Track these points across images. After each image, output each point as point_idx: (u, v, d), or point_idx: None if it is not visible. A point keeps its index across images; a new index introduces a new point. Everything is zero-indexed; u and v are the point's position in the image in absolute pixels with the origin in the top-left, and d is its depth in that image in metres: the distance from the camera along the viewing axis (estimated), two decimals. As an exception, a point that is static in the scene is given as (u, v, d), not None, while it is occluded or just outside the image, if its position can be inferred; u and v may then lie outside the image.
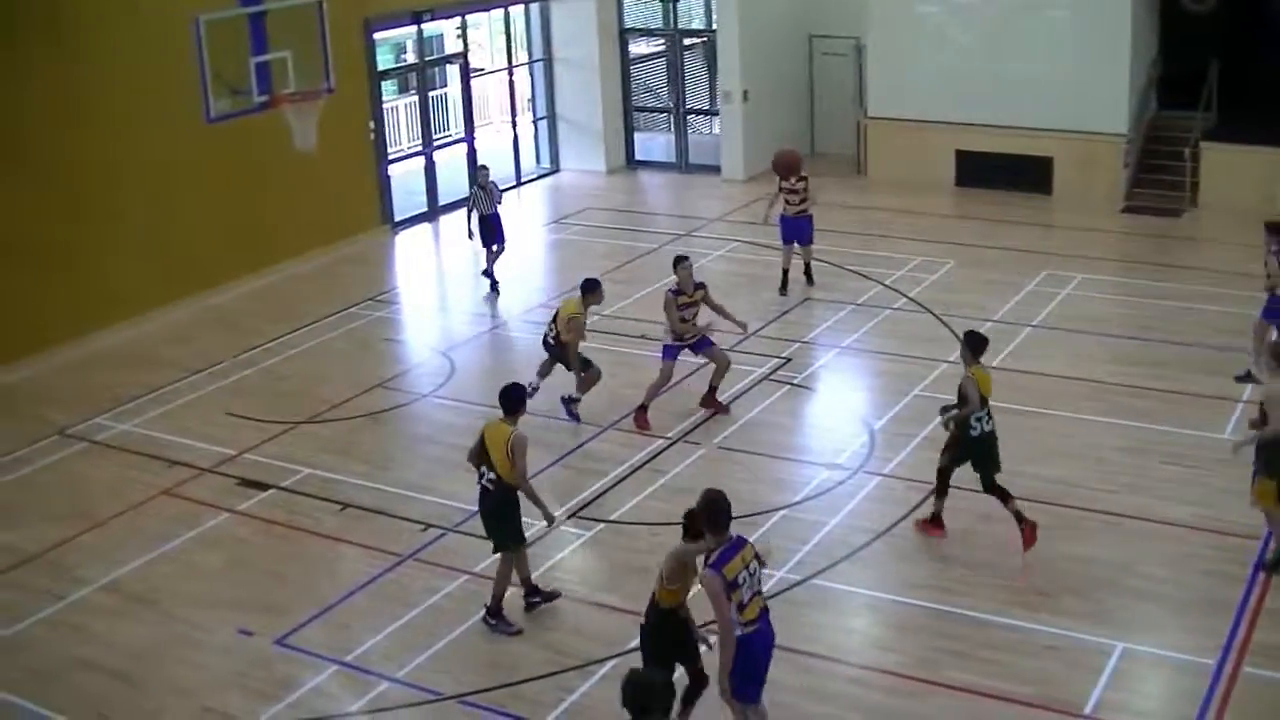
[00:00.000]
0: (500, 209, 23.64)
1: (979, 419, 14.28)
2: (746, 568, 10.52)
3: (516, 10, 31.22)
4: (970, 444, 14.36)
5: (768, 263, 23.81)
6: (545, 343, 18.16)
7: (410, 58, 31.54)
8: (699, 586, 10.67)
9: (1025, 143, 27.58)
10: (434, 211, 28.50)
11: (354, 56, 25.71)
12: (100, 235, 21.75)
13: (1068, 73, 27.06)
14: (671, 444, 17.22)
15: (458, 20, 30.01)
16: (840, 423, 17.91)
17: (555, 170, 31.88)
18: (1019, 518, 14.18)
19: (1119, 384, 18.33)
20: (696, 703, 11.58)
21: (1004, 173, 27.74)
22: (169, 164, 22.57)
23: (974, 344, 14.47)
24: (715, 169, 30.68)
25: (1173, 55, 28.19)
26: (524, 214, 28.97)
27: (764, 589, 10.96)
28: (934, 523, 14.80)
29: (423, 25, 28.38)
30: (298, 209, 25.01)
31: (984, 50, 27.98)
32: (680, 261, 18.21)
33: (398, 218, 27.71)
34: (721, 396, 18.25)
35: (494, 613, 13.50)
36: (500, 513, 13.44)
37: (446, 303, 23.43)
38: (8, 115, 20.50)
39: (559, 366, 18.16)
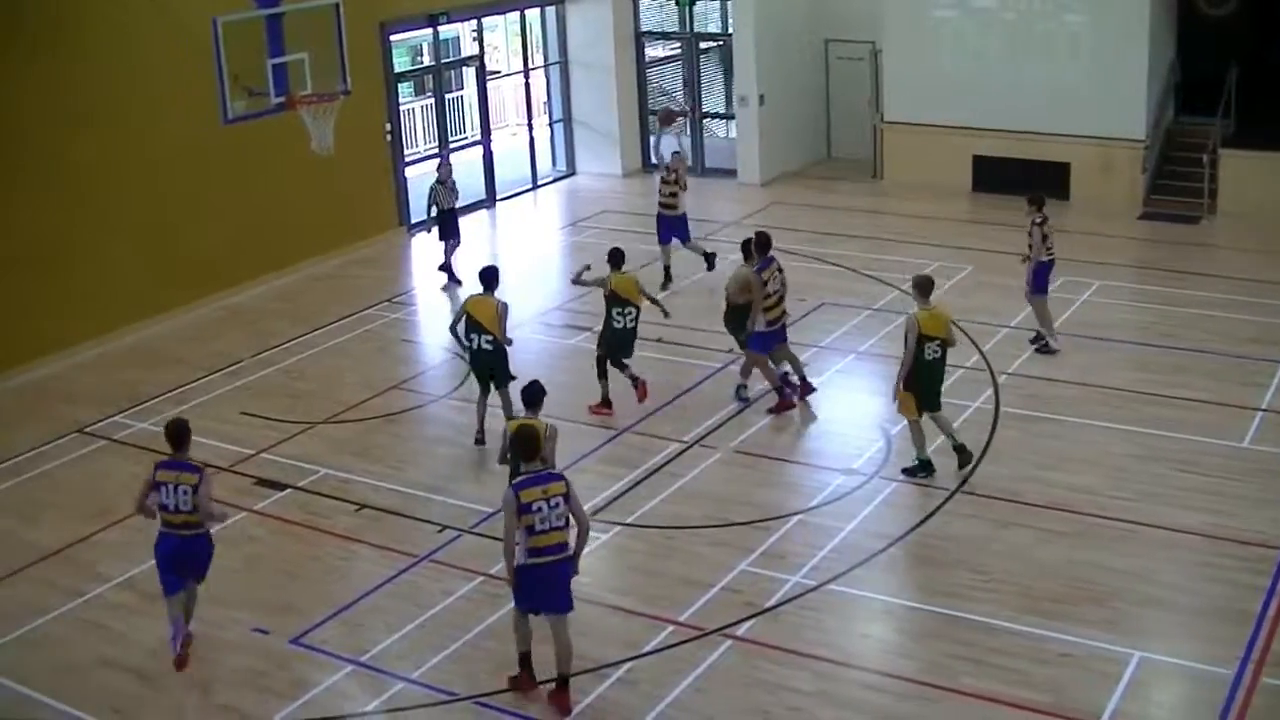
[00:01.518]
0: (458, 204, 24.50)
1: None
2: (547, 500, 11.69)
3: (533, 13, 31.27)
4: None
5: (786, 267, 23.81)
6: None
7: (427, 60, 31.58)
8: None
9: (1042, 148, 27.54)
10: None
11: (370, 59, 25.77)
12: (121, 235, 21.88)
13: (1085, 78, 27.06)
14: (688, 448, 17.23)
15: (474, 23, 30.06)
16: (856, 428, 17.90)
17: (571, 173, 31.91)
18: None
19: (1136, 391, 18.30)
20: None
21: (1021, 178, 27.66)
22: (188, 165, 22.66)
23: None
24: (731, 173, 30.68)
25: (1191, 60, 28.15)
26: (540, 217, 29.01)
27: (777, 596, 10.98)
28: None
29: (439, 28, 28.44)
30: (315, 210, 25.06)
31: (1001, 55, 27.97)
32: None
33: (414, 220, 27.75)
34: (748, 394, 18.53)
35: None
36: (500, 361, 17.23)
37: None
38: (32, 117, 20.64)
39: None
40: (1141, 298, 22.16)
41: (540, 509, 11.68)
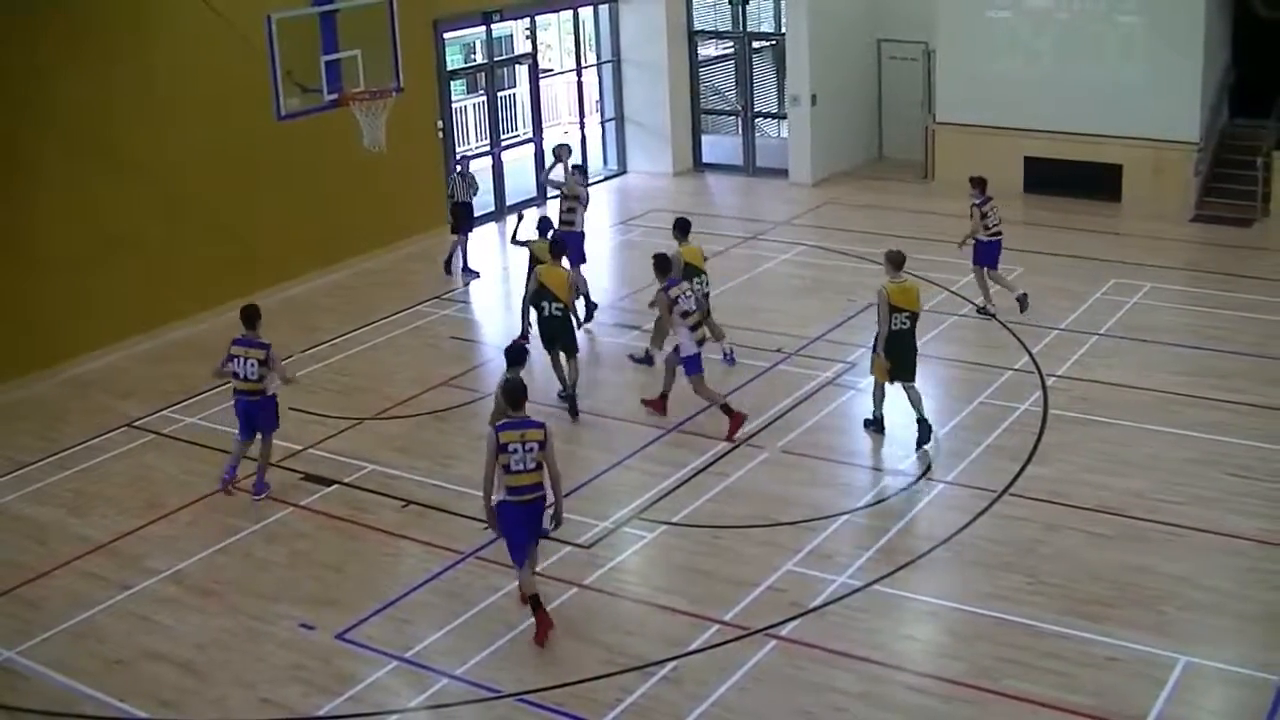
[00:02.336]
0: (474, 199, 24.86)
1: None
2: (523, 444, 12.99)
3: (586, 11, 31.28)
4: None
5: (836, 267, 23.86)
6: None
7: (479, 58, 31.65)
8: None
9: (1095, 150, 27.41)
10: (501, 211, 28.61)
11: (423, 56, 25.87)
12: (174, 229, 22.06)
13: (1139, 79, 26.89)
14: (735, 447, 17.21)
15: (527, 21, 30.13)
16: (903, 429, 17.83)
17: (622, 172, 31.93)
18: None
19: (1186, 394, 18.17)
20: None
21: (1073, 180, 27.56)
22: (242, 160, 22.82)
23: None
24: (783, 172, 30.64)
25: (1246, 63, 27.93)
26: (590, 215, 28.97)
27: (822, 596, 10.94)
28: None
29: (492, 26, 28.50)
30: (367, 207, 25.17)
31: (1054, 56, 27.84)
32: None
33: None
34: (786, 400, 18.35)
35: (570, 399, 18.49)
36: (568, 329, 18.46)
37: (511, 301, 23.42)
38: (91, 110, 20.85)
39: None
40: (1193, 300, 21.99)
41: (516, 450, 12.99)
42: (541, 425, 13.16)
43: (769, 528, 15.18)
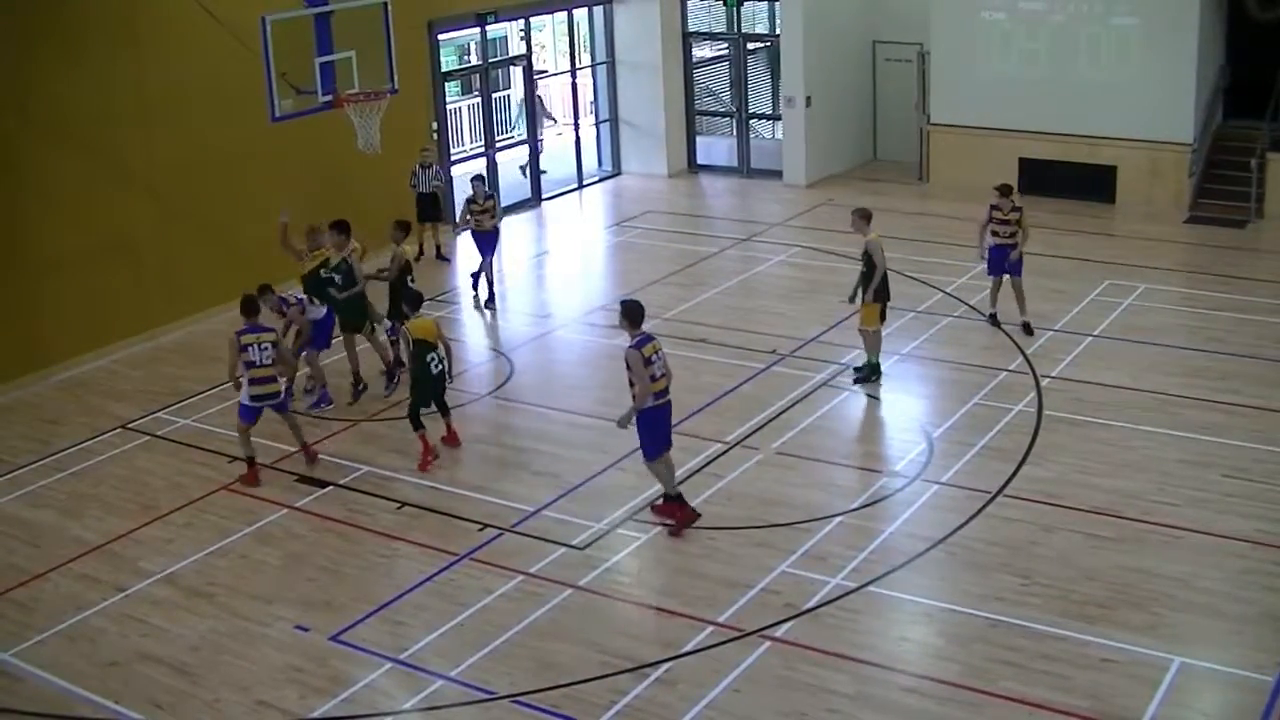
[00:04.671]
0: (439, 190, 25.54)
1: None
2: (656, 353, 14.74)
3: (580, 13, 31.29)
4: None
5: (830, 269, 23.84)
6: None
7: (474, 59, 31.64)
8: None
9: (1089, 151, 27.44)
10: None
11: (418, 57, 25.87)
12: (168, 231, 22.08)
13: (1133, 81, 26.91)
14: (729, 449, 17.21)
15: (521, 22, 30.11)
16: (898, 430, 17.86)
17: (617, 173, 31.93)
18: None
19: (1181, 396, 18.17)
20: None
21: (1067, 181, 27.57)
22: (235, 163, 22.80)
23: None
24: (777, 174, 30.64)
25: (1240, 64, 27.96)
26: (585, 217, 29.03)
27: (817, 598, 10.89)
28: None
29: (486, 27, 28.49)
30: (361, 208, 25.04)
31: (1049, 57, 27.84)
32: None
33: (459, 219, 27.82)
34: (781, 402, 18.33)
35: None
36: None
37: (506, 303, 23.46)
38: (85, 112, 20.86)
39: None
40: (1188, 301, 22.00)
41: (656, 360, 14.78)
42: (653, 336, 15.04)
43: (763, 529, 15.17)
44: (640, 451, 15.27)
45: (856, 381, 18.87)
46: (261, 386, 16.67)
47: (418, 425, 17.17)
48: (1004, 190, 20.62)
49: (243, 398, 16.79)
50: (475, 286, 23.50)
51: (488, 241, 23.33)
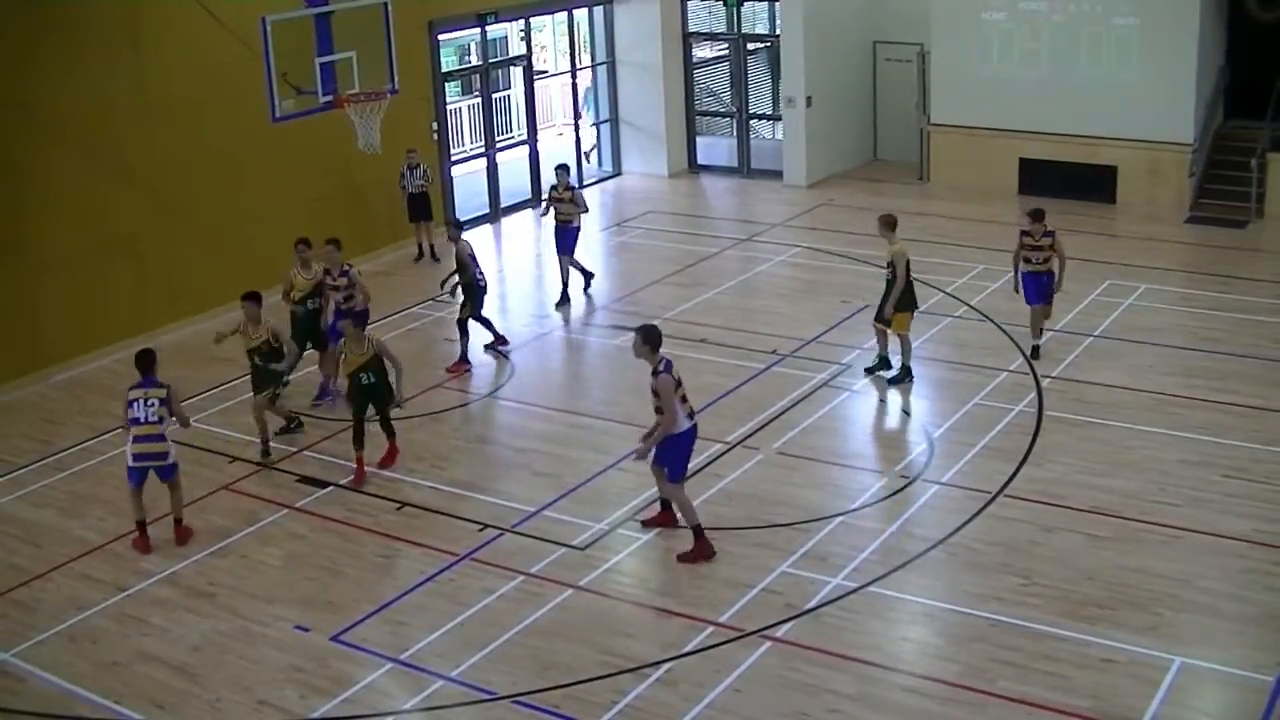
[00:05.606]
0: (428, 190, 25.52)
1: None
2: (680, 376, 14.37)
3: (581, 13, 31.29)
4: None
5: (831, 269, 23.86)
6: None
7: (474, 60, 31.64)
8: None
9: (1090, 151, 27.45)
10: (496, 213, 28.62)
11: (418, 58, 25.87)
12: (169, 231, 22.08)
13: (1134, 81, 26.91)
14: (730, 449, 17.21)
15: (522, 23, 30.10)
16: (899, 430, 17.87)
17: (617, 174, 31.92)
18: None
19: (1182, 396, 18.18)
20: None
21: (1068, 181, 27.57)
22: (235, 163, 22.82)
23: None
24: (778, 174, 30.63)
25: (1240, 65, 27.97)
26: (585, 217, 28.96)
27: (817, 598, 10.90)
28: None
29: (487, 27, 28.49)
30: (361, 208, 25.19)
31: (1049, 58, 27.85)
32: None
33: (460, 219, 27.84)
34: (781, 402, 18.33)
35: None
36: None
37: (507, 304, 23.46)
38: (87, 112, 20.88)
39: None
40: (1188, 302, 21.99)
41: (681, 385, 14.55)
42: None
43: (764, 529, 15.18)
44: (669, 471, 14.78)
45: (891, 382, 18.88)
46: (143, 445, 15.25)
47: (355, 443, 16.92)
48: (1035, 215, 19.56)
49: (129, 459, 15.43)
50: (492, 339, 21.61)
51: (565, 238, 23.08)
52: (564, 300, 23.08)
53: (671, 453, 14.64)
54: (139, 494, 15.44)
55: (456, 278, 20.22)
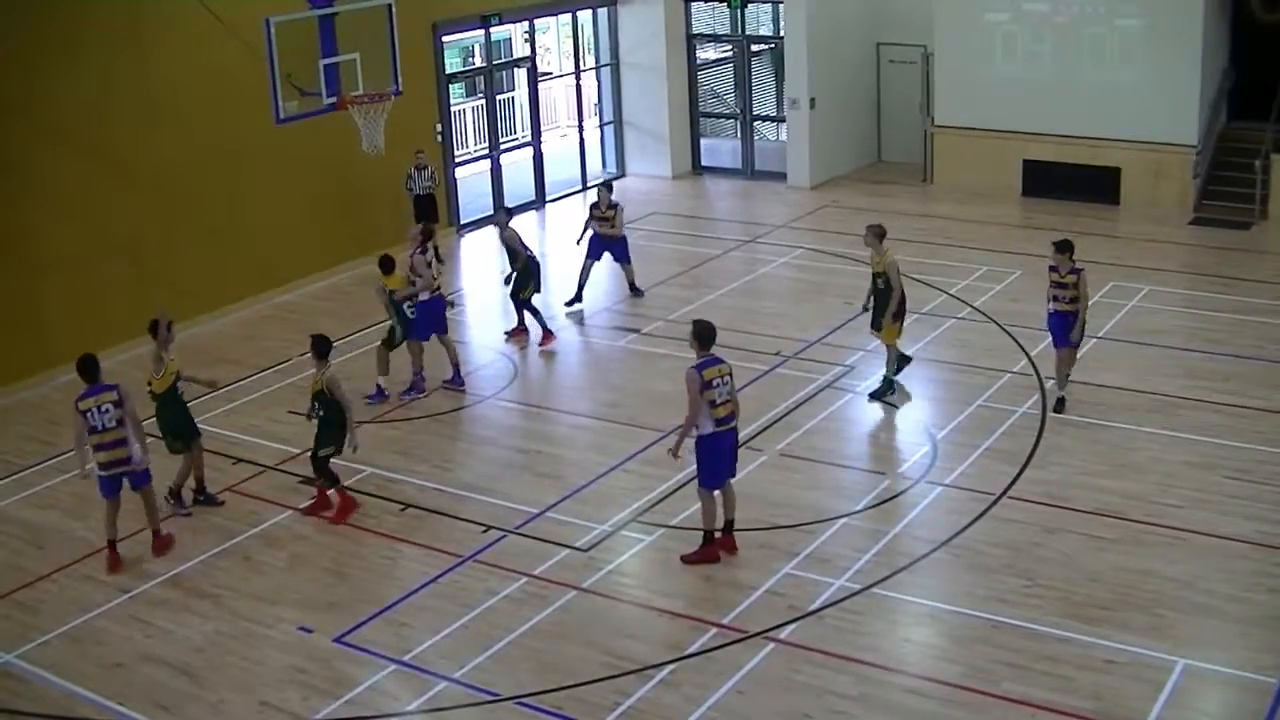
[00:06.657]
0: (434, 191, 25.49)
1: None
2: (721, 378, 14.13)
3: (585, 15, 31.29)
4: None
5: (832, 270, 23.88)
6: None
7: (478, 61, 31.66)
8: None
9: (1093, 153, 27.44)
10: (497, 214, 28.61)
11: (422, 59, 25.90)
12: (172, 232, 22.08)
13: (1137, 83, 26.91)
14: (732, 450, 17.19)
15: (526, 24, 30.12)
16: (902, 432, 17.86)
17: (621, 175, 31.89)
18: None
19: (1185, 397, 18.17)
20: None
21: (1071, 183, 27.57)
22: (241, 164, 22.85)
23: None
24: (781, 176, 30.63)
25: (1244, 66, 27.94)
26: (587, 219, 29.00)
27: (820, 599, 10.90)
28: None
29: (491, 29, 28.51)
30: (365, 210, 25.19)
31: (1053, 59, 27.86)
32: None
33: (464, 220, 27.91)
34: (785, 404, 18.33)
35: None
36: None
37: (507, 307, 23.42)
38: (89, 113, 20.89)
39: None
40: (1191, 303, 21.98)
41: (718, 384, 14.14)
42: (723, 360, 14.43)
43: (767, 531, 15.18)
44: (699, 477, 14.63)
45: (873, 396, 18.60)
46: (109, 452, 14.94)
47: (320, 473, 16.25)
48: (1060, 247, 17.72)
49: (97, 470, 15.11)
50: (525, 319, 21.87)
51: (617, 248, 23.04)
52: (636, 292, 23.32)
53: (699, 456, 14.53)
54: (114, 506, 15.13)
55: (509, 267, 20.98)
